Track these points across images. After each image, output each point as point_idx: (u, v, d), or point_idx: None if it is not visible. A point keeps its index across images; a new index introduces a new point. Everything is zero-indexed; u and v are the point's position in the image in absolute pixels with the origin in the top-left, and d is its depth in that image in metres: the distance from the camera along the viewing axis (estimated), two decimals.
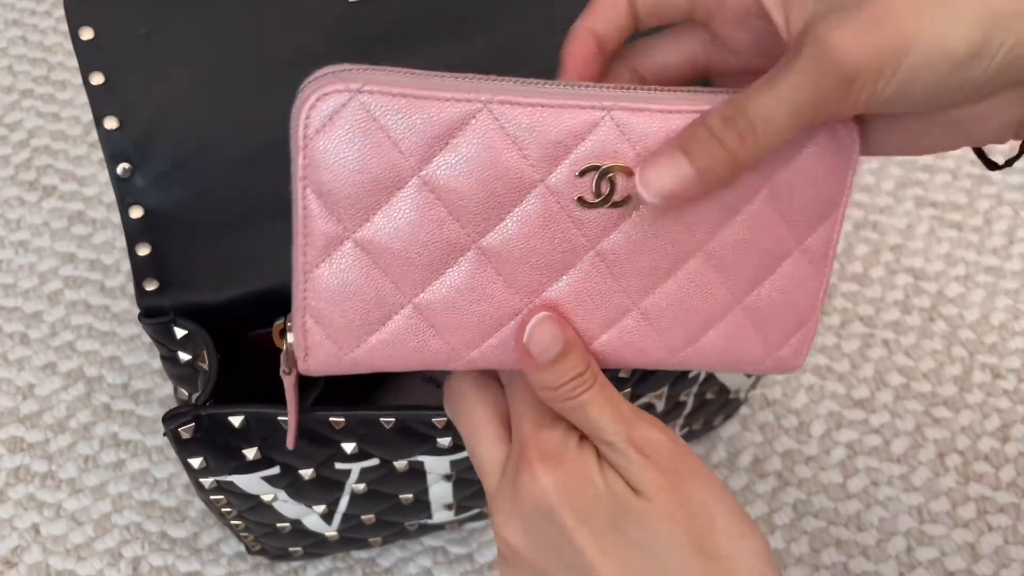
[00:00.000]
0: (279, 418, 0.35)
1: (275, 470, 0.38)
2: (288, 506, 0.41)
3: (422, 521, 0.46)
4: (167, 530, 0.53)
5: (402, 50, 0.40)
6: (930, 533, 0.54)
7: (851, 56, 0.28)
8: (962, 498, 0.55)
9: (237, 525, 0.43)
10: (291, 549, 0.47)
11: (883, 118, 0.32)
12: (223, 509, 0.41)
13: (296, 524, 0.44)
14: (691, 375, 0.43)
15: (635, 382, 0.40)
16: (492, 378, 0.34)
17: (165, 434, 0.35)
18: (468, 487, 0.44)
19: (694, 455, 0.32)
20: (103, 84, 0.37)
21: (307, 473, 0.39)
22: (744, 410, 0.58)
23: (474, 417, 0.33)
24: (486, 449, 0.33)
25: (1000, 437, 0.58)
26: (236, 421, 0.35)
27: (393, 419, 0.36)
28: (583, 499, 0.31)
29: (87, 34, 0.37)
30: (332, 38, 0.39)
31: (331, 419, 0.36)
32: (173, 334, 0.37)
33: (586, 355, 0.32)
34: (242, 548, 0.52)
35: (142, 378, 0.57)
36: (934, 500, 0.55)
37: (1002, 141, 0.32)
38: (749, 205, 0.32)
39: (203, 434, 0.35)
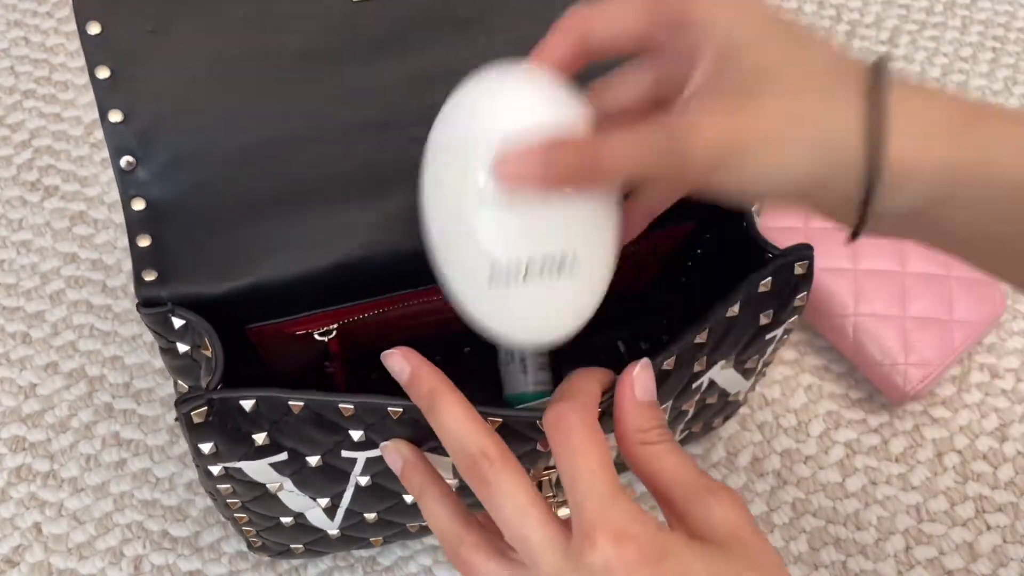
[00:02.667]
0: (289, 402, 0.36)
1: (283, 456, 0.38)
2: (293, 497, 0.41)
3: (423, 523, 0.47)
4: (168, 529, 0.53)
5: (405, 50, 0.40)
6: (928, 532, 0.54)
7: (693, 149, 0.29)
8: (960, 497, 0.56)
9: (240, 518, 0.44)
10: (292, 546, 0.47)
11: None
12: (228, 500, 0.41)
13: (299, 518, 0.44)
14: (694, 386, 0.43)
15: None
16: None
17: (177, 419, 0.36)
18: (472, 494, 0.44)
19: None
20: (109, 78, 0.38)
21: (314, 460, 0.39)
22: (743, 410, 0.58)
23: (517, 501, 0.32)
24: (534, 526, 0.32)
25: (998, 437, 0.58)
26: (247, 405, 0.36)
27: (401, 409, 0.37)
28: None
29: (94, 29, 0.38)
30: (336, 37, 0.40)
31: (340, 406, 0.36)
32: (171, 324, 0.37)
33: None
34: (243, 547, 0.52)
35: (143, 378, 0.58)
36: (932, 499, 0.55)
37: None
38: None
39: (214, 418, 0.36)
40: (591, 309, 0.36)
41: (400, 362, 0.36)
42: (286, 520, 0.44)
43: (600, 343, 0.55)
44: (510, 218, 0.32)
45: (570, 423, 0.33)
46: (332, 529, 0.45)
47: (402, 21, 0.40)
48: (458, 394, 0.35)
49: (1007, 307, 0.62)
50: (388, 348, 0.53)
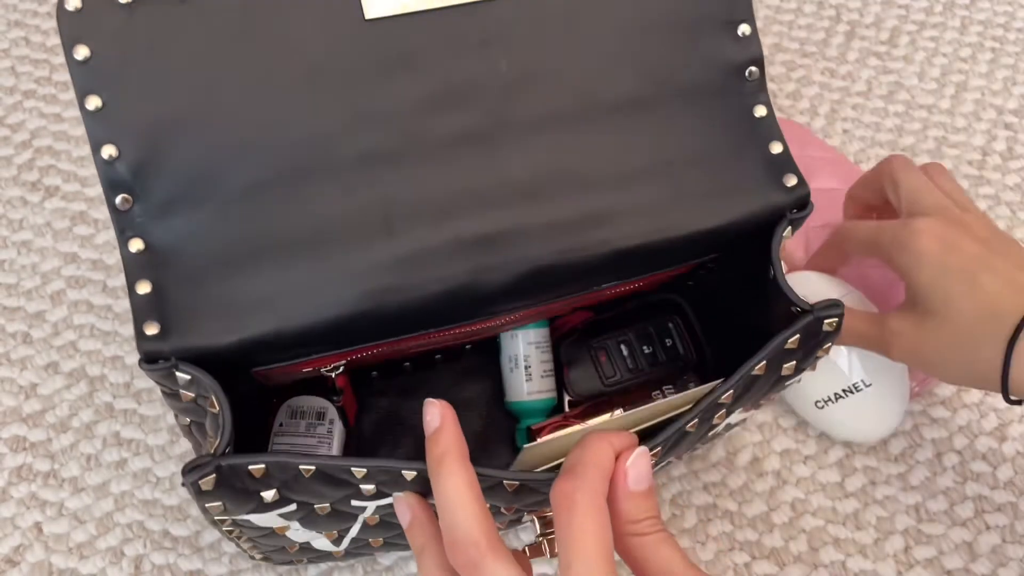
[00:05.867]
0: (300, 466, 0.34)
1: (291, 507, 0.37)
2: (300, 533, 0.40)
3: None
4: (169, 528, 0.53)
5: (419, 72, 0.38)
6: (928, 532, 0.54)
7: (891, 350, 0.48)
8: (960, 497, 0.56)
9: (246, 546, 0.43)
10: (296, 560, 0.47)
11: None
12: (234, 537, 0.41)
13: (305, 545, 0.43)
14: (711, 433, 0.43)
15: (663, 454, 0.40)
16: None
17: (184, 484, 0.34)
18: None
19: None
20: (100, 109, 0.35)
21: (323, 509, 0.38)
22: None
23: None
24: None
25: (997, 437, 0.58)
26: (256, 470, 0.34)
27: (415, 472, 0.35)
28: None
29: (82, 53, 0.34)
30: (345, 58, 0.37)
31: (352, 469, 0.35)
32: (175, 378, 0.35)
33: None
34: None
35: (144, 377, 0.58)
36: (932, 499, 0.55)
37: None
38: None
39: (222, 482, 0.34)
40: (898, 410, 0.55)
41: (434, 415, 0.36)
42: (292, 547, 0.43)
43: (603, 346, 0.55)
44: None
45: (574, 503, 0.33)
46: (337, 550, 0.45)
47: (416, 42, 0.37)
48: (466, 466, 0.34)
49: None
50: (392, 366, 0.52)
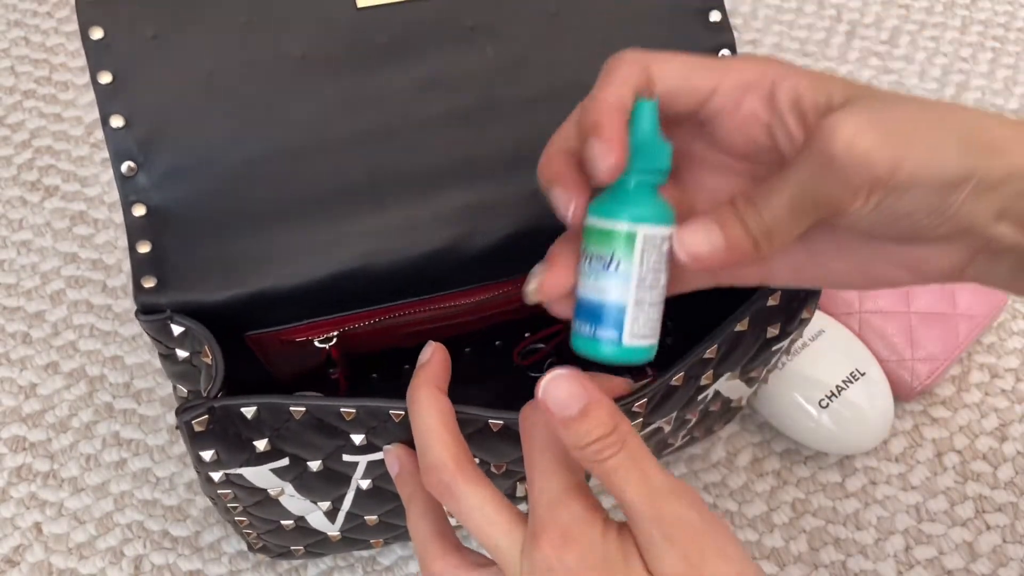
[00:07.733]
0: (291, 408, 0.36)
1: (284, 461, 0.38)
2: (294, 501, 0.41)
3: None
4: (169, 529, 0.53)
5: (409, 58, 0.40)
6: (928, 532, 0.54)
7: (854, 154, 0.28)
8: (960, 497, 0.56)
9: (241, 521, 0.44)
10: (293, 548, 0.47)
11: (836, 242, 0.33)
12: (229, 504, 0.42)
13: (300, 521, 0.44)
14: (700, 397, 0.43)
15: (648, 412, 0.40)
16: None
17: (178, 427, 0.36)
18: None
19: (724, 530, 0.31)
20: (110, 83, 0.38)
21: (315, 465, 0.39)
22: (743, 410, 0.58)
23: (485, 510, 0.33)
24: (501, 533, 0.32)
25: (998, 436, 0.58)
26: (248, 412, 0.36)
27: (403, 412, 0.36)
28: None
29: (97, 34, 0.38)
30: (339, 44, 0.40)
31: (342, 410, 0.36)
32: (170, 331, 0.37)
33: (614, 417, 0.31)
34: (243, 547, 0.52)
35: (144, 377, 0.58)
36: (932, 499, 0.55)
37: (948, 281, 0.32)
38: None
39: (215, 426, 0.36)
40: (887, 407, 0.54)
41: (426, 352, 0.37)
42: (287, 523, 0.44)
43: None
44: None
45: (533, 422, 0.33)
46: (333, 531, 0.45)
47: (406, 29, 0.40)
48: (438, 395, 0.35)
49: (1008, 304, 0.62)
50: (387, 352, 0.53)
